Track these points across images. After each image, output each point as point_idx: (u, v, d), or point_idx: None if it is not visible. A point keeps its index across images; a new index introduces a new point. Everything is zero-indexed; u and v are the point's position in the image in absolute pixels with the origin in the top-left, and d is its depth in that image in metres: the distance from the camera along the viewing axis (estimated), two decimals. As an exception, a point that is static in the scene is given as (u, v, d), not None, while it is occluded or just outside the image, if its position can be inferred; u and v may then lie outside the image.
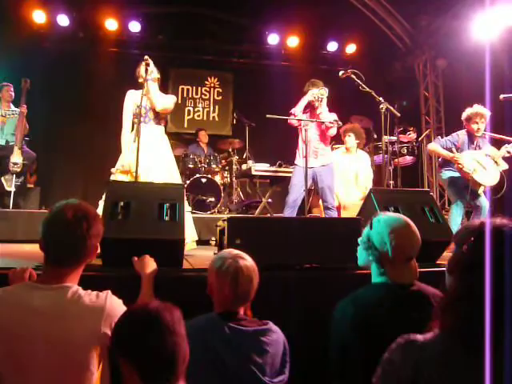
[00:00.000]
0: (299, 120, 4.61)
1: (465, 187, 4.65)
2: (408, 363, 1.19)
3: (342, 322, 1.80)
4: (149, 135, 3.90)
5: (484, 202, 4.67)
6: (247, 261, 1.89)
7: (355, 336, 1.75)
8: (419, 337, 1.23)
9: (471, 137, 4.80)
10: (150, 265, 2.27)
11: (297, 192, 4.65)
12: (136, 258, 2.31)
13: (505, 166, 4.74)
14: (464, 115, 4.81)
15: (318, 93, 4.67)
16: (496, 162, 4.70)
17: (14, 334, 1.52)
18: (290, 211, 4.64)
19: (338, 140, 6.08)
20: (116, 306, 1.67)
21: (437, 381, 1.16)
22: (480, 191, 4.67)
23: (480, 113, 4.68)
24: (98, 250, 2.62)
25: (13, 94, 5.71)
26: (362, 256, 2.00)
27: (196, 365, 1.63)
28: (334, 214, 4.82)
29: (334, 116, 4.75)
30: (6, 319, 1.54)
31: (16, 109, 5.69)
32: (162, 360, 1.32)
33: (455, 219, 4.72)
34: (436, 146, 4.91)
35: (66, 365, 1.54)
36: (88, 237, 1.66)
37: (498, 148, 4.74)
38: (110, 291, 1.70)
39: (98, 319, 1.59)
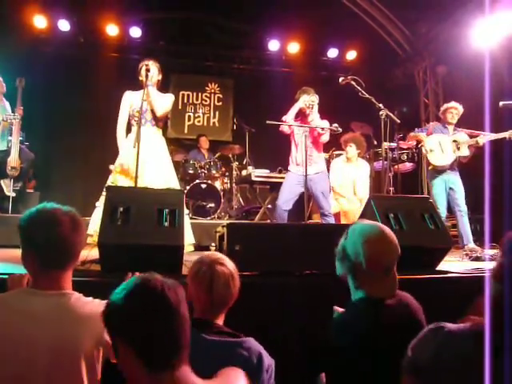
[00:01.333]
0: (291, 126, 4.65)
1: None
2: (431, 345, 1.25)
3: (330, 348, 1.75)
4: (146, 137, 3.81)
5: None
6: (225, 266, 1.80)
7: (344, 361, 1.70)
8: (449, 325, 1.28)
9: (445, 125, 5.30)
10: None
11: (286, 195, 4.67)
12: (130, 276, 2.15)
13: (465, 153, 5.09)
14: (441, 109, 5.40)
15: (308, 99, 4.69)
16: (459, 147, 5.09)
17: (13, 341, 1.50)
18: (278, 213, 4.65)
19: (338, 147, 6.09)
20: None
21: (451, 369, 1.19)
22: (430, 168, 5.32)
23: (453, 106, 5.25)
24: (97, 256, 2.63)
25: (4, 85, 5.62)
26: (338, 267, 1.90)
27: None
28: (332, 221, 4.82)
29: (325, 123, 4.77)
30: (3, 325, 1.52)
31: (17, 115, 5.67)
32: (167, 344, 1.20)
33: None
34: (419, 135, 5.45)
35: (67, 372, 1.52)
36: (75, 236, 1.65)
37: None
38: None
39: (101, 327, 1.58)
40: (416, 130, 5.54)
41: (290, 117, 4.71)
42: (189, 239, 3.86)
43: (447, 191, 5.16)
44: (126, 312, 1.22)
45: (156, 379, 1.19)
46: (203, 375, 1.35)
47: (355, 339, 1.68)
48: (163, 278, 1.26)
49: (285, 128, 4.73)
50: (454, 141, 5.15)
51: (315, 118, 4.71)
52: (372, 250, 1.75)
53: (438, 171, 5.21)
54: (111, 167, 3.91)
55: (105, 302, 1.66)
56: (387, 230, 1.85)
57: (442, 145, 5.18)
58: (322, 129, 4.65)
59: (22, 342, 1.50)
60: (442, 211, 4.96)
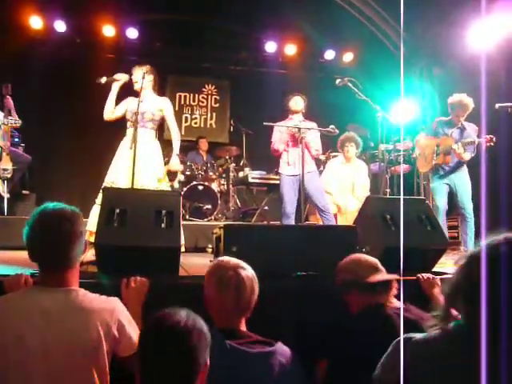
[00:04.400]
0: (285, 150, 4.79)
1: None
2: (405, 359, 1.23)
3: None
4: (140, 139, 3.88)
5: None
6: (248, 271, 1.82)
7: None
8: (416, 335, 1.28)
9: (452, 121, 4.97)
10: (139, 294, 2.13)
11: (291, 201, 4.68)
12: (125, 282, 2.16)
13: (440, 160, 4.90)
14: (450, 100, 4.95)
15: (289, 128, 4.72)
16: (438, 154, 4.91)
17: (26, 338, 1.53)
18: (288, 221, 4.66)
19: (334, 148, 6.10)
20: (125, 309, 1.74)
21: (432, 377, 1.19)
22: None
23: (462, 100, 4.82)
24: (94, 257, 2.63)
25: None
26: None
27: None
28: (331, 218, 4.81)
29: (314, 125, 4.81)
30: (16, 323, 1.56)
31: (18, 120, 5.64)
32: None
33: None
34: (419, 139, 5.27)
35: (78, 365, 1.57)
36: (75, 234, 1.68)
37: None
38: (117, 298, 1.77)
39: (109, 320, 1.64)
40: (424, 128, 5.36)
41: (277, 144, 4.84)
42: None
43: (449, 191, 4.92)
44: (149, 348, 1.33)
45: None
46: None
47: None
48: (191, 318, 1.35)
49: (277, 150, 4.86)
50: (437, 145, 4.96)
51: (306, 133, 4.63)
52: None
53: (435, 172, 5.06)
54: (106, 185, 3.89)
55: (111, 298, 1.73)
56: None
57: (428, 149, 5.02)
58: (317, 150, 4.86)
59: (35, 339, 1.54)
60: (440, 209, 4.82)
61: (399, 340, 1.29)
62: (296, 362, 1.74)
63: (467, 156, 4.77)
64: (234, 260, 1.86)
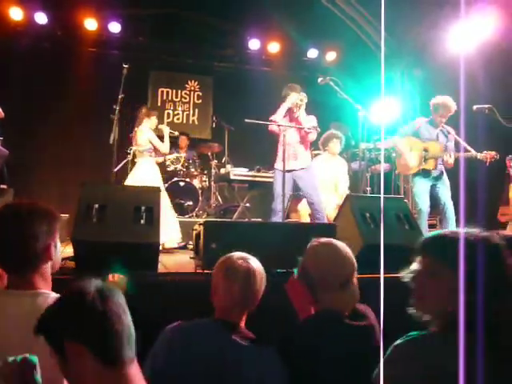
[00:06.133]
0: (279, 126, 4.64)
1: None
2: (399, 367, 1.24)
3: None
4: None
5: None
6: (258, 264, 1.82)
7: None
8: (398, 342, 1.29)
9: (434, 122, 4.92)
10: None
11: (282, 199, 4.66)
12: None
13: (430, 167, 4.79)
14: (434, 101, 4.88)
15: (297, 99, 4.71)
16: (426, 160, 4.75)
17: None
18: (276, 218, 4.65)
19: (317, 147, 6.13)
20: None
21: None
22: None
23: (446, 102, 4.77)
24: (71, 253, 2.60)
25: None
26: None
27: (186, 370, 1.60)
28: (323, 215, 4.80)
29: (313, 119, 4.80)
30: None
31: None
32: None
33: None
34: (396, 138, 5.07)
35: (45, 374, 1.42)
36: (28, 234, 1.56)
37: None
38: None
39: None
40: (405, 127, 5.15)
41: (278, 117, 4.71)
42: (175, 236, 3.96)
43: (431, 192, 4.85)
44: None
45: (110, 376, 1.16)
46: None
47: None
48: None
49: (274, 128, 4.73)
50: (425, 150, 4.84)
51: (302, 116, 4.72)
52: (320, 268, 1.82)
53: (420, 176, 4.91)
54: None
55: None
56: (340, 246, 1.88)
57: (412, 151, 4.89)
58: (309, 128, 4.68)
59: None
60: (424, 213, 4.76)
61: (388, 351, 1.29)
62: (282, 364, 1.71)
63: (452, 161, 4.79)
64: (245, 254, 1.85)
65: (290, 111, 4.79)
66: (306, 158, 4.87)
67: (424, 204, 4.78)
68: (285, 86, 4.95)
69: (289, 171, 4.65)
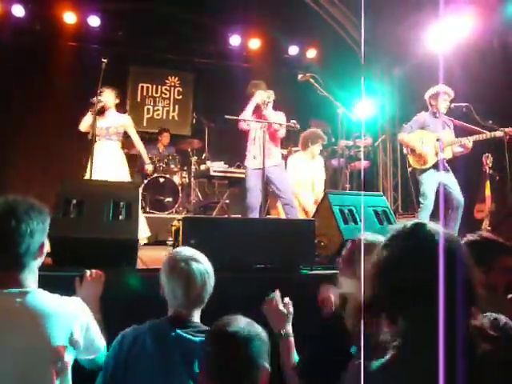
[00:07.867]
0: (258, 121, 4.65)
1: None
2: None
3: None
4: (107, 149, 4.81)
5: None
6: (201, 263, 1.81)
7: None
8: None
9: (435, 114, 4.82)
10: (96, 288, 2.07)
11: (257, 195, 4.68)
12: (78, 281, 2.08)
13: (448, 155, 4.69)
14: (430, 93, 4.82)
15: (265, 96, 4.71)
16: (443, 149, 4.60)
17: None
18: (253, 214, 4.66)
19: (296, 143, 6.15)
20: (87, 309, 1.66)
21: None
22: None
23: (446, 90, 4.70)
24: (48, 249, 2.57)
25: None
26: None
27: (133, 369, 1.66)
28: (295, 211, 4.84)
29: (282, 116, 4.80)
30: None
31: None
32: None
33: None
34: (403, 135, 4.91)
35: (36, 371, 1.47)
36: (19, 233, 1.54)
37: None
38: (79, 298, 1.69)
39: (70, 324, 1.55)
40: (409, 124, 4.96)
41: (247, 113, 4.72)
42: (144, 232, 3.89)
43: (440, 189, 4.68)
44: None
45: None
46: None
47: None
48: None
49: (244, 125, 4.75)
50: (438, 140, 4.69)
51: (270, 113, 4.73)
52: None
53: (424, 170, 4.78)
54: None
55: (72, 298, 1.64)
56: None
57: (424, 144, 4.73)
58: (280, 125, 4.69)
59: None
60: (429, 209, 4.65)
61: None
62: None
63: (471, 145, 4.69)
64: (189, 252, 1.86)
65: (257, 109, 4.79)
66: (277, 156, 4.89)
67: (430, 200, 4.68)
68: (268, 83, 4.96)
69: (259, 169, 4.66)
